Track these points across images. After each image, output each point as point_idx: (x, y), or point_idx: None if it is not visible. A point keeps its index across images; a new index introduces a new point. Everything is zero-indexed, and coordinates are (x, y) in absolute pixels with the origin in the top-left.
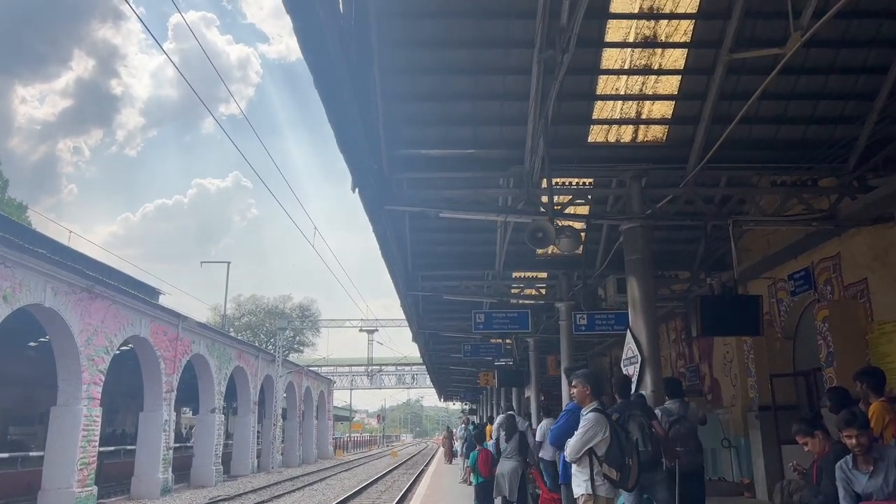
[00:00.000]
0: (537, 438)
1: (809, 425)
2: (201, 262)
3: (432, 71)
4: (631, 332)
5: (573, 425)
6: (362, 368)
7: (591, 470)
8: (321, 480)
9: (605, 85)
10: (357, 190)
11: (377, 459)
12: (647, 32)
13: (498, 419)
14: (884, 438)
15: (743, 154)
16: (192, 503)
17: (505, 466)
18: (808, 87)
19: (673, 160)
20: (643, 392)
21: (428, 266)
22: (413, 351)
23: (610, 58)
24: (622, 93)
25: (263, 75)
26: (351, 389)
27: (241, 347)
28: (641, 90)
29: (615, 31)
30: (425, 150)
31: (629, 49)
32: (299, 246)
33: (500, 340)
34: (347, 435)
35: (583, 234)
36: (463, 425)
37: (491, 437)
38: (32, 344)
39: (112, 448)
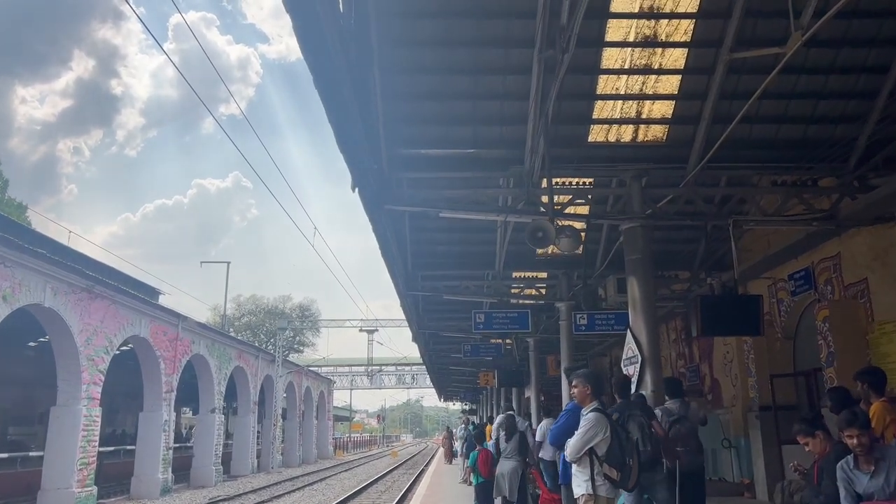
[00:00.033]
0: (537, 438)
1: (810, 425)
2: (201, 262)
3: (432, 70)
4: (631, 331)
5: (573, 425)
6: (362, 368)
7: (592, 470)
8: (321, 480)
9: (605, 84)
10: (357, 189)
11: (377, 459)
12: (648, 32)
13: (498, 419)
14: (885, 438)
15: (743, 154)
16: (192, 503)
17: (505, 466)
18: (809, 86)
19: (673, 160)
20: (643, 392)
21: (428, 266)
22: (413, 351)
23: (610, 57)
24: (622, 92)
25: (263, 75)
26: (351, 389)
27: (241, 347)
28: (642, 90)
29: (615, 30)
30: (425, 150)
31: (629, 49)
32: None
33: (500, 340)
34: (347, 435)
35: (583, 234)
36: (463, 425)
37: (491, 438)
38: (32, 344)
39: (112, 448)
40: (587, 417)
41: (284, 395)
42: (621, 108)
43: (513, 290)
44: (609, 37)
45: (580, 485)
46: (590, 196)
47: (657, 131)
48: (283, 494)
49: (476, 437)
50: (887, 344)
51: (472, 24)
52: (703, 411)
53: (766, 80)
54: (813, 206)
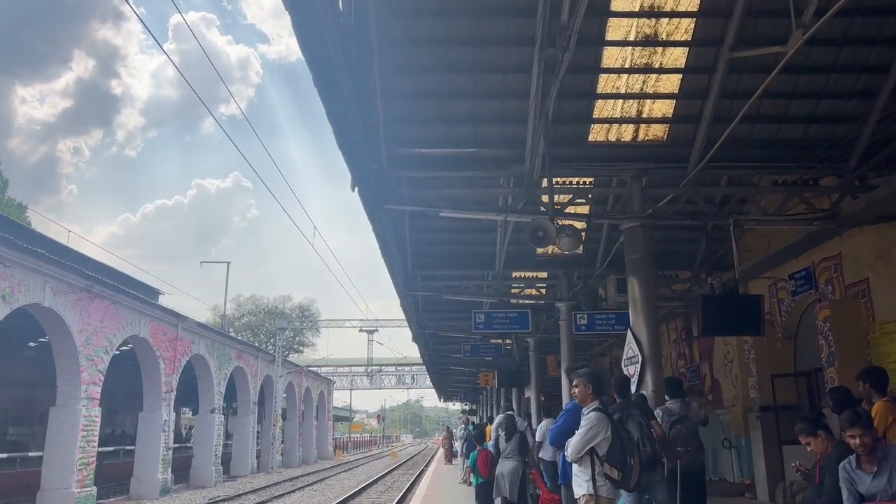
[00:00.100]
0: (537, 439)
1: (812, 425)
2: (201, 263)
3: (432, 69)
4: (632, 331)
5: (572, 425)
6: (362, 369)
7: (593, 470)
8: (321, 481)
9: (605, 84)
10: (357, 189)
11: (377, 460)
12: (648, 31)
13: (497, 419)
14: (887, 438)
15: (744, 153)
16: (192, 503)
17: (505, 467)
18: (810, 85)
19: (674, 159)
20: (644, 392)
21: (428, 266)
22: (413, 351)
23: (610, 56)
24: (623, 91)
25: (263, 76)
26: (351, 390)
27: (241, 347)
28: (642, 89)
29: (616, 29)
30: (425, 149)
31: (630, 48)
32: (299, 246)
33: (500, 340)
34: (347, 435)
35: (583, 234)
36: (463, 426)
37: (490, 438)
38: (32, 344)
39: (111, 448)
40: (588, 417)
41: (284, 395)
42: (622, 108)
43: (513, 290)
44: (609, 36)
45: (581, 485)
46: (590, 195)
47: (658, 131)
48: (283, 495)
49: (476, 437)
50: (888, 344)
51: (471, 23)
52: (704, 411)
53: (766, 80)
54: (814, 206)
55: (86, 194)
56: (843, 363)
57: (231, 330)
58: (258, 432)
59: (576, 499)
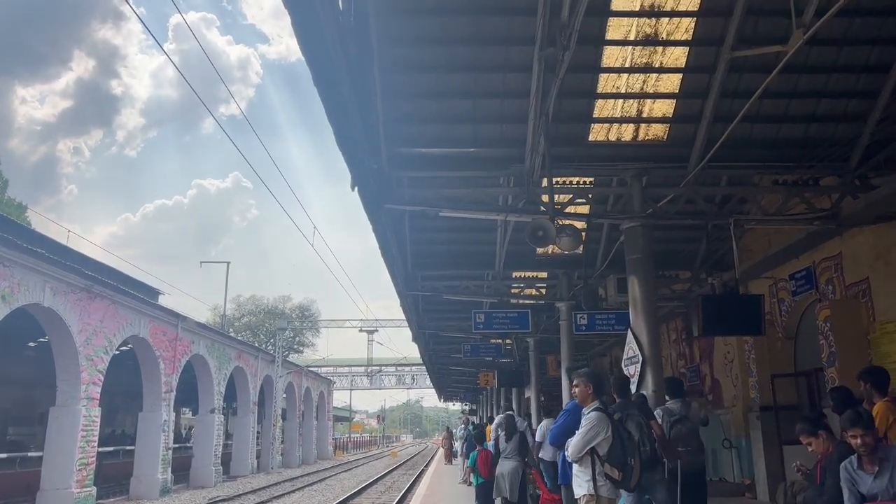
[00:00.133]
0: (537, 439)
1: (813, 425)
2: (201, 263)
3: (432, 69)
4: (632, 331)
5: (572, 425)
6: (362, 369)
7: (594, 470)
8: (321, 481)
9: (605, 83)
10: (356, 189)
11: (377, 460)
12: (648, 30)
13: (496, 419)
14: (888, 438)
15: (744, 153)
16: (192, 503)
17: (505, 467)
18: (810, 85)
19: (674, 159)
20: (644, 392)
21: (428, 266)
22: (413, 351)
23: (611, 56)
24: (623, 91)
25: (263, 76)
26: (351, 390)
27: (241, 348)
28: (642, 88)
29: (616, 28)
30: (425, 149)
31: (630, 47)
32: (299, 246)
33: (500, 340)
34: (347, 435)
35: (583, 234)
36: (463, 426)
37: (490, 438)
38: (32, 344)
39: (111, 448)
40: (589, 417)
41: (284, 395)
42: (622, 107)
43: (513, 290)
44: (610, 35)
45: (581, 485)
46: (590, 195)
47: (658, 130)
48: (283, 495)
49: (476, 437)
50: (889, 344)
51: (471, 22)
52: (705, 411)
53: (767, 79)
54: (814, 206)
55: (86, 194)
56: (843, 363)
57: (231, 330)
58: (258, 432)
59: (576, 499)
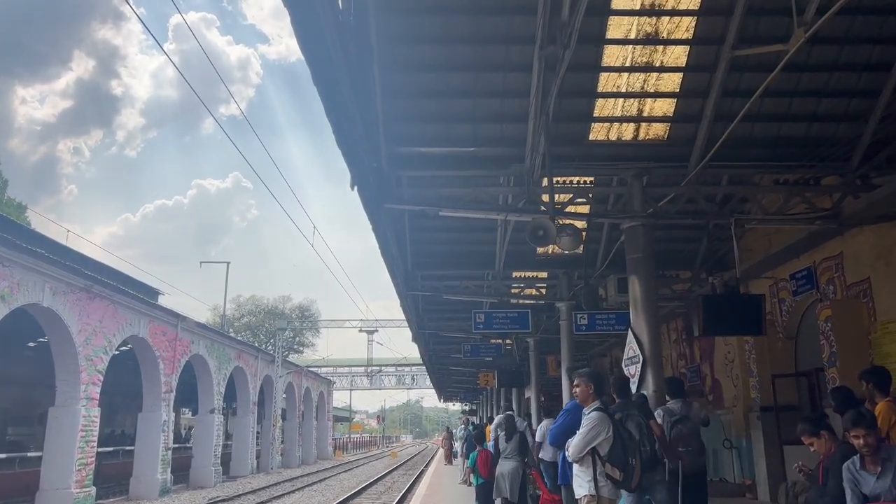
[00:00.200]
0: (537, 439)
1: (815, 425)
2: (201, 263)
3: (432, 68)
4: (632, 331)
5: (572, 425)
6: (362, 369)
7: (594, 470)
8: (321, 481)
9: (606, 82)
10: (356, 188)
11: (377, 460)
12: (649, 29)
13: (496, 419)
14: (890, 438)
15: (745, 152)
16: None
17: (505, 467)
18: (811, 84)
19: (674, 158)
20: (644, 392)
21: (428, 266)
22: (413, 351)
23: (611, 55)
24: (623, 90)
25: (263, 76)
26: (351, 390)
27: (241, 348)
28: (643, 88)
29: (616, 27)
30: (425, 148)
31: (630, 46)
32: (299, 246)
33: (500, 340)
34: (347, 436)
35: (583, 234)
36: (462, 426)
37: (490, 438)
38: (31, 344)
39: (111, 449)
40: (590, 417)
41: (284, 395)
42: (622, 106)
43: (513, 290)
44: (610, 34)
45: (582, 485)
46: (591, 195)
47: (658, 130)
48: (283, 495)
49: (476, 437)
50: (890, 344)
51: (471, 21)
52: (705, 412)
53: (768, 78)
54: (815, 205)
55: (86, 194)
56: (844, 363)
57: (231, 330)
58: (258, 433)
59: (577, 499)
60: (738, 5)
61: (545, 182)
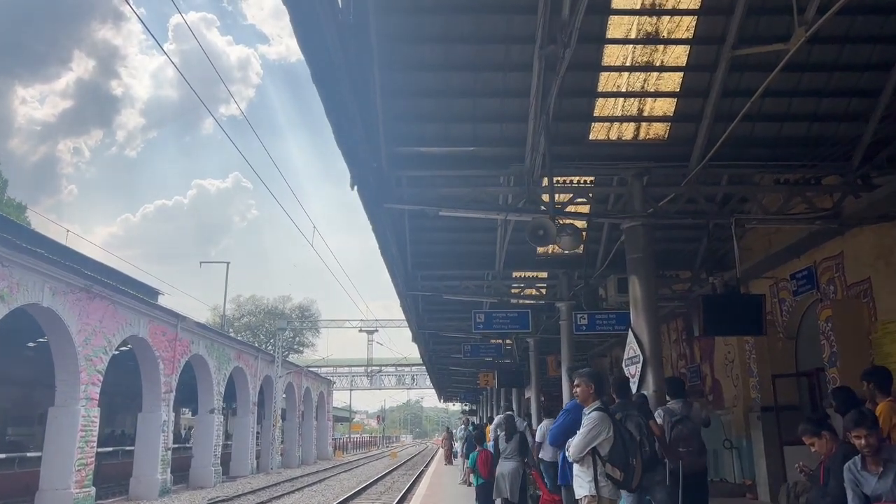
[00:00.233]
0: (537, 439)
1: (816, 425)
2: (201, 263)
3: (432, 67)
4: (633, 331)
5: (572, 425)
6: (362, 369)
7: (595, 470)
8: (321, 481)
9: (606, 82)
10: (356, 188)
11: (377, 460)
12: (650, 29)
13: (496, 419)
14: (892, 439)
15: (745, 152)
16: None
17: (505, 467)
18: (812, 83)
19: (675, 158)
20: (645, 392)
21: (428, 266)
22: (413, 351)
23: (611, 54)
24: (624, 90)
25: (263, 76)
26: (350, 390)
27: (241, 348)
28: (643, 87)
29: (617, 27)
30: (425, 148)
31: (631, 45)
32: (299, 246)
33: (500, 341)
34: (347, 436)
35: (584, 233)
36: (462, 426)
37: (489, 438)
38: (31, 344)
39: (110, 449)
40: (590, 417)
41: (284, 395)
42: (622, 106)
43: (513, 290)
44: (610, 33)
45: (583, 486)
46: (591, 194)
47: (659, 129)
48: (283, 495)
49: (476, 437)
50: (890, 343)
51: (471, 20)
52: (706, 412)
53: (768, 78)
54: (815, 205)
55: (86, 194)
56: (845, 363)
57: (231, 330)
58: (258, 433)
59: (577, 499)
60: (739, 5)
61: (545, 182)
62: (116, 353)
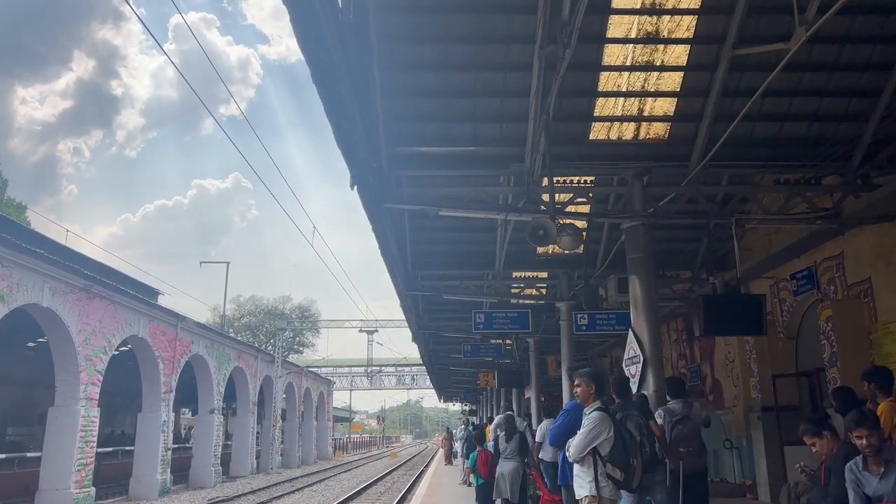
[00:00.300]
0: (537, 439)
1: (817, 425)
2: (200, 263)
3: (432, 67)
4: (633, 331)
5: (572, 425)
6: (362, 369)
7: (595, 470)
8: (321, 481)
9: (606, 81)
10: (356, 188)
11: (377, 460)
12: (650, 28)
13: (496, 420)
14: (893, 439)
15: (746, 152)
16: None
17: (505, 467)
18: (812, 83)
19: (675, 158)
20: (645, 392)
21: (428, 266)
22: (413, 351)
23: (612, 54)
24: (624, 89)
25: (263, 76)
26: (350, 390)
27: (241, 348)
28: (643, 87)
29: (617, 26)
30: (425, 148)
31: (631, 45)
32: (299, 246)
33: (500, 341)
34: (347, 436)
35: (584, 233)
36: (462, 426)
37: (489, 438)
38: (31, 344)
39: (110, 449)
40: (591, 417)
41: (284, 395)
42: (623, 106)
43: (513, 290)
44: (611, 33)
45: (583, 486)
46: (591, 194)
47: (659, 129)
48: (283, 495)
49: (476, 437)
50: (891, 343)
51: (472, 20)
52: (706, 412)
53: (769, 77)
54: (816, 205)
55: (86, 194)
56: (845, 363)
57: (231, 330)
58: (258, 433)
59: (577, 499)
60: (739, 4)
61: (545, 182)
62: (116, 353)
